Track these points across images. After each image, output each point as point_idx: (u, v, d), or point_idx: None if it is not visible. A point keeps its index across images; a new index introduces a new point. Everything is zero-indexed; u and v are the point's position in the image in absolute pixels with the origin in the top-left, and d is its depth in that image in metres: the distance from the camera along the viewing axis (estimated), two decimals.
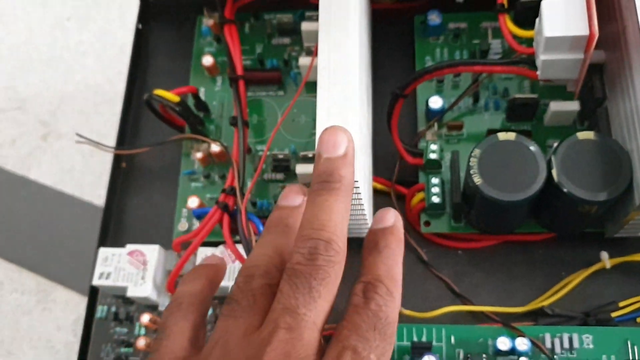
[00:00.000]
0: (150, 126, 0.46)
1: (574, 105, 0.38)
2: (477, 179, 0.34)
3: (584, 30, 0.33)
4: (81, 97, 0.68)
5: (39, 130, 0.67)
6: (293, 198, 0.28)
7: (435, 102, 0.40)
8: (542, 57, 0.34)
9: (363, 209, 0.35)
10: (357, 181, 0.31)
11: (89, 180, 0.64)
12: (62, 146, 0.66)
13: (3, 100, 0.69)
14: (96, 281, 0.38)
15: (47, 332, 0.57)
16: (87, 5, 0.72)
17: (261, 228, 0.36)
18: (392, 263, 0.26)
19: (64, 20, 0.72)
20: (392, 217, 0.27)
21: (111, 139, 0.45)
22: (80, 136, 0.44)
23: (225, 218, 0.37)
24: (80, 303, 0.59)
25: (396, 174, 0.40)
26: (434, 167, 0.39)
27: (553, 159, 0.33)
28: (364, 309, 0.24)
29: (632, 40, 0.32)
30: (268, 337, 0.22)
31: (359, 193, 0.33)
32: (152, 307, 0.38)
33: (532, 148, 0.34)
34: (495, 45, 0.42)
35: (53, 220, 0.63)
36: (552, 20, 0.33)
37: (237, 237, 0.36)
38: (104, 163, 0.65)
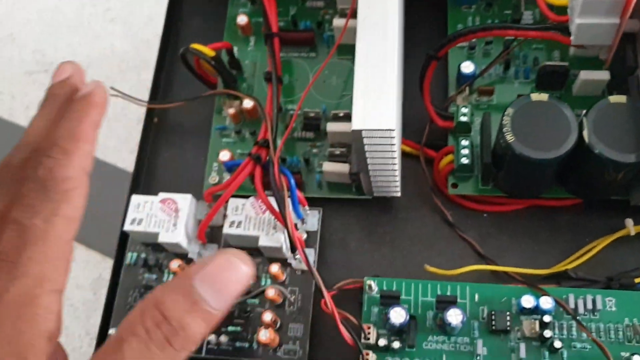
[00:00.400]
0: (182, 84, 0.46)
1: (604, 75, 0.39)
2: (509, 137, 0.34)
3: None
4: (108, 62, 0.69)
5: None
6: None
7: (467, 67, 0.41)
8: (577, 21, 0.35)
9: (395, 167, 0.36)
10: (392, 130, 0.32)
11: (112, 143, 0.65)
12: None
13: (31, 63, 0.70)
14: (128, 227, 0.38)
15: (67, 290, 0.57)
16: None
17: (292, 181, 0.37)
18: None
19: None
20: (69, 68, 0.26)
21: (138, 106, 0.46)
22: (114, 89, 0.44)
23: (258, 169, 0.38)
24: (101, 262, 0.59)
25: (425, 137, 0.41)
26: (464, 130, 0.40)
27: (585, 120, 0.34)
28: (30, 178, 0.22)
29: None
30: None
31: (394, 151, 0.33)
32: (181, 255, 0.39)
33: (564, 109, 0.34)
34: (527, 16, 0.43)
35: None
36: None
37: (267, 192, 0.37)
38: (129, 127, 0.66)
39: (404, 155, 0.42)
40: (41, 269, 0.21)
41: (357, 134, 0.32)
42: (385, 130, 0.31)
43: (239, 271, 0.22)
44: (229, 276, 0.22)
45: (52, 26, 0.72)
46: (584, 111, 0.35)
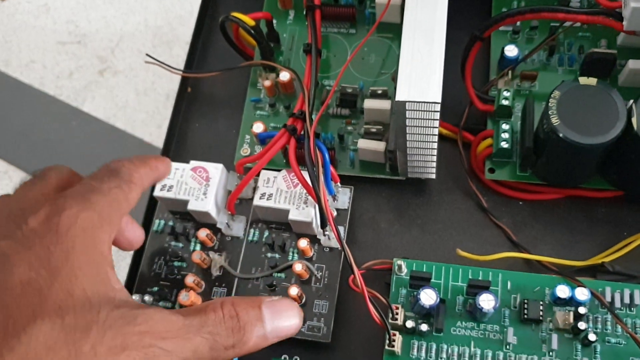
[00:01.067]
0: (218, 56, 0.46)
1: None
2: (554, 120, 0.33)
3: None
4: (140, 37, 0.68)
5: (96, 66, 0.68)
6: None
7: (511, 51, 0.40)
8: (632, 5, 0.34)
9: (434, 145, 0.35)
10: (438, 104, 0.31)
11: (141, 117, 0.65)
12: (117, 82, 0.67)
13: (64, 33, 0.70)
14: (158, 192, 0.38)
15: None
16: None
17: (327, 156, 0.36)
18: None
19: None
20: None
21: (167, 80, 0.45)
22: (150, 56, 0.44)
23: (292, 141, 0.37)
24: None
25: (464, 119, 0.40)
26: (505, 114, 0.39)
27: (634, 107, 0.33)
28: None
29: None
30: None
31: (436, 127, 0.33)
32: (209, 225, 0.39)
33: (613, 95, 0.33)
34: (575, 1, 0.42)
35: (102, 152, 0.64)
36: None
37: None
38: (157, 102, 0.66)
39: (441, 138, 0.41)
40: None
41: (401, 105, 0.31)
42: (431, 103, 0.30)
43: (295, 318, 0.28)
44: (288, 316, 0.27)
45: None
46: (632, 99, 0.33)
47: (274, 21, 0.44)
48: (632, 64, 0.38)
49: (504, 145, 0.38)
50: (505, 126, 0.38)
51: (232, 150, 0.42)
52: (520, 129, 0.38)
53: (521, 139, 0.37)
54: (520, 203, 0.39)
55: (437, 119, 0.32)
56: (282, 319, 0.27)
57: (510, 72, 0.40)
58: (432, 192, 0.40)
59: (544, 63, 0.41)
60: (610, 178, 0.37)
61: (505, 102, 0.38)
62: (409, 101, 0.31)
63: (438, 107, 0.31)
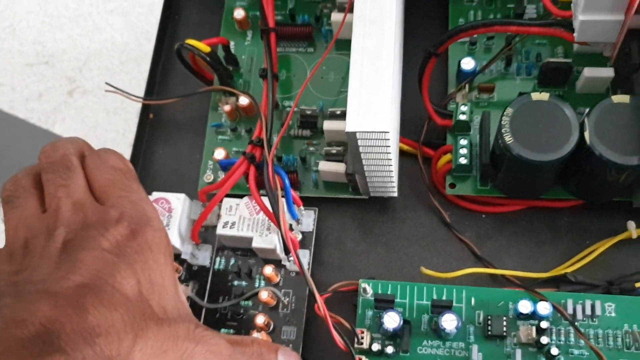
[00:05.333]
0: (179, 80, 0.46)
1: (608, 72, 0.38)
2: (508, 138, 0.33)
3: None
4: (108, 54, 0.68)
5: (65, 86, 0.68)
6: None
7: (468, 64, 0.40)
8: (580, 18, 0.34)
9: (391, 169, 0.35)
10: (387, 132, 0.31)
11: (111, 136, 0.65)
12: (87, 102, 0.67)
13: (31, 55, 0.69)
14: None
15: None
16: None
17: (287, 182, 0.36)
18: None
19: None
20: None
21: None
22: (110, 85, 0.44)
23: (252, 169, 0.37)
24: None
25: (424, 135, 0.40)
26: (463, 128, 0.39)
27: (586, 121, 0.33)
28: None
29: None
30: (57, 203, 0.26)
31: (389, 153, 0.33)
32: (175, 256, 0.39)
33: (565, 109, 0.33)
34: (530, 10, 0.42)
35: None
36: None
37: (262, 191, 0.36)
38: (127, 120, 0.65)
39: (402, 153, 0.41)
40: None
41: (351, 135, 0.31)
42: (380, 132, 0.30)
43: None
44: None
45: (52, 17, 0.71)
46: (586, 111, 0.34)
47: (232, 43, 0.44)
48: (588, 71, 0.38)
49: (462, 161, 0.38)
50: (463, 141, 0.38)
51: (197, 176, 0.42)
52: (478, 145, 0.38)
53: (479, 154, 0.38)
54: (483, 216, 0.39)
55: (389, 146, 0.32)
56: None
57: (467, 85, 0.40)
58: (396, 209, 0.40)
59: (502, 73, 0.41)
60: (570, 188, 0.37)
61: (462, 117, 0.38)
62: (359, 131, 0.31)
63: (389, 136, 0.31)
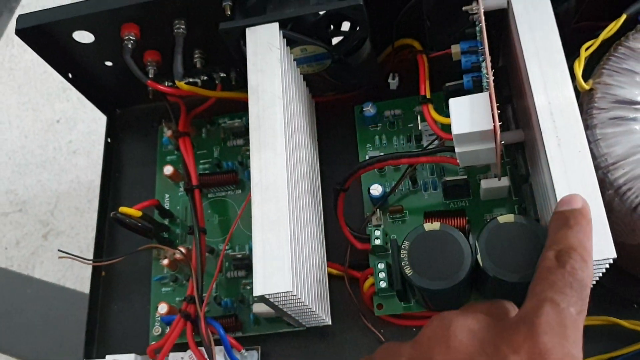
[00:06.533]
0: (126, 234, 0.49)
1: (504, 182, 0.40)
2: (408, 270, 0.36)
3: (488, 125, 0.35)
4: (75, 194, 0.72)
5: (40, 230, 0.72)
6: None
7: (376, 190, 0.43)
8: (456, 150, 0.37)
9: (313, 309, 0.37)
10: (290, 292, 0.34)
11: (88, 273, 0.68)
12: (61, 243, 0.71)
13: (5, 204, 0.74)
14: None
15: None
16: (74, 106, 0.77)
17: (222, 331, 0.39)
18: (583, 237, 0.28)
19: (54, 123, 0.77)
20: (580, 201, 0.30)
21: None
22: (62, 251, 0.47)
23: (189, 326, 0.40)
24: None
25: (347, 259, 0.43)
26: (380, 251, 0.42)
27: (477, 244, 0.36)
28: (559, 269, 0.27)
29: (533, 115, 0.34)
30: None
31: (303, 302, 0.35)
32: None
33: (456, 236, 0.36)
34: (429, 128, 0.45)
35: (58, 315, 0.67)
36: (458, 117, 0.36)
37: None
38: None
39: (332, 277, 0.44)
40: None
41: (261, 297, 0.34)
42: (285, 292, 0.33)
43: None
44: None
45: (21, 165, 0.76)
46: (477, 234, 0.36)
47: (167, 196, 0.48)
48: (484, 183, 0.41)
49: (382, 284, 0.40)
50: (380, 265, 0.41)
51: (147, 330, 0.45)
52: (392, 270, 0.41)
53: (391, 281, 0.40)
54: (414, 329, 0.42)
55: (299, 298, 0.35)
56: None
57: (378, 209, 0.43)
58: (335, 334, 0.43)
59: (411, 190, 0.44)
60: (486, 295, 0.40)
61: (377, 242, 0.41)
62: (266, 294, 0.34)
63: (295, 292, 0.34)
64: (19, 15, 0.43)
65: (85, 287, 0.68)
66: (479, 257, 0.35)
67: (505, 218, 0.36)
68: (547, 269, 0.27)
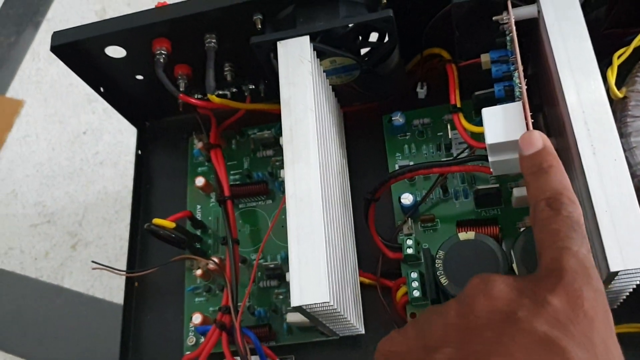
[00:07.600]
0: (158, 245, 0.50)
1: None
2: (443, 280, 0.36)
3: (521, 134, 0.35)
4: (103, 205, 0.73)
5: (68, 241, 0.73)
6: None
7: (407, 199, 0.43)
8: (490, 159, 0.37)
9: (347, 319, 0.38)
10: (327, 302, 0.34)
11: (117, 283, 0.69)
12: (89, 253, 0.72)
13: (34, 215, 0.75)
14: None
15: None
16: (100, 118, 0.79)
17: (257, 342, 0.40)
18: (561, 177, 0.29)
19: (81, 135, 0.78)
20: (540, 139, 0.30)
21: None
22: (96, 263, 0.48)
23: (224, 336, 0.40)
24: None
25: (379, 269, 0.43)
26: (412, 260, 0.42)
27: (512, 252, 0.36)
28: (557, 217, 0.28)
29: (567, 124, 0.34)
30: None
31: (338, 312, 0.36)
32: None
33: (490, 244, 0.36)
34: (458, 136, 0.45)
35: (86, 325, 0.68)
36: (492, 127, 0.36)
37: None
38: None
39: (365, 287, 0.44)
40: None
41: (299, 308, 0.34)
42: (322, 303, 0.34)
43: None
44: None
45: (49, 177, 0.77)
46: (512, 242, 0.36)
47: (198, 207, 0.48)
48: (517, 192, 0.41)
49: (416, 294, 0.40)
50: (413, 274, 0.41)
51: (182, 340, 0.45)
52: (426, 279, 0.41)
53: (425, 290, 0.40)
54: None
55: (335, 308, 0.35)
56: None
57: (410, 218, 0.43)
58: (368, 343, 0.43)
59: (442, 199, 0.44)
60: None
61: (409, 251, 0.41)
62: (303, 304, 0.34)
63: (331, 303, 0.34)
64: (54, 32, 0.44)
65: (114, 296, 0.69)
66: (514, 265, 0.36)
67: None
68: (547, 220, 0.28)
